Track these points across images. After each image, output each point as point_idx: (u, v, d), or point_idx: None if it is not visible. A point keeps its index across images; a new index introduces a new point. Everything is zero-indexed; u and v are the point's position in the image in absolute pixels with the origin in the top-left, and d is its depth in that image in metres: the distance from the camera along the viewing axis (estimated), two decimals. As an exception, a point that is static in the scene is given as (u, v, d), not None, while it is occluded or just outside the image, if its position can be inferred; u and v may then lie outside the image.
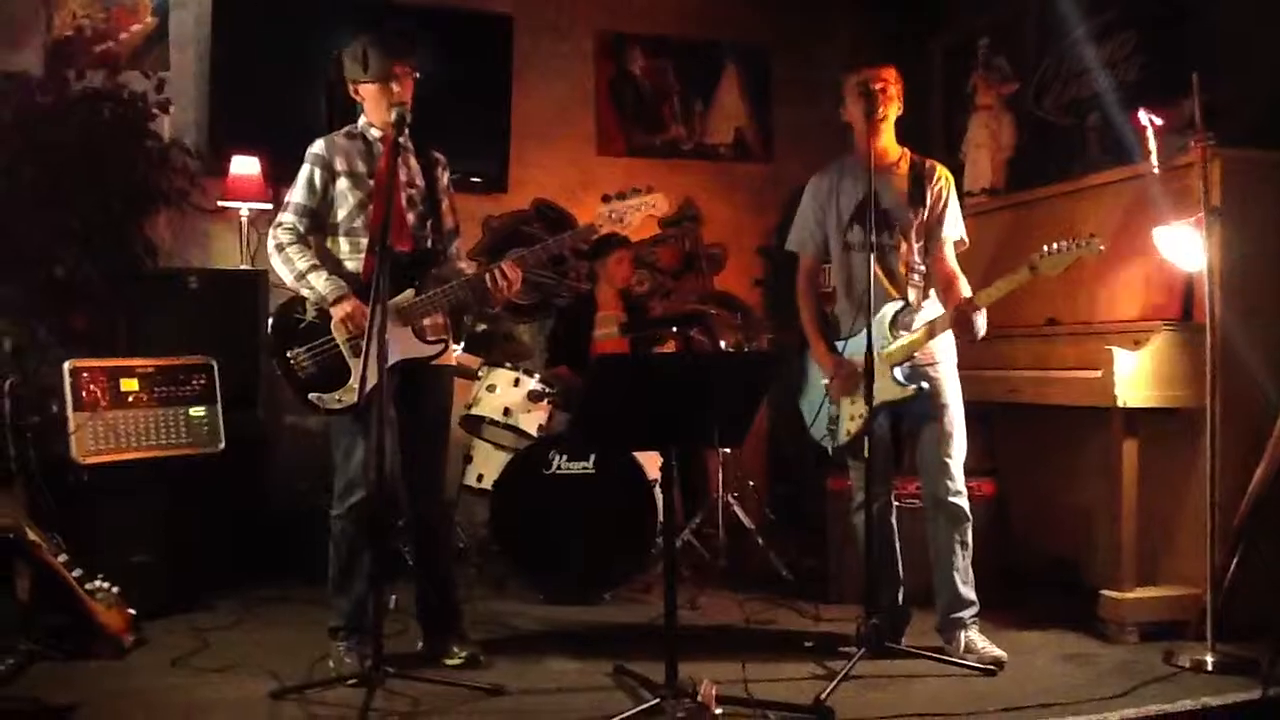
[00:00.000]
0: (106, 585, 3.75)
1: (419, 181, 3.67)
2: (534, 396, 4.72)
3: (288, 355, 3.54)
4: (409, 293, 3.51)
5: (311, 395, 3.52)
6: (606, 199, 3.51)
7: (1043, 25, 5.23)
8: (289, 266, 3.53)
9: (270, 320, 3.65)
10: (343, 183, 3.56)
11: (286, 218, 3.58)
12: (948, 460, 3.67)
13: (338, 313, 3.47)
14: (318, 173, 3.57)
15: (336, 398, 3.48)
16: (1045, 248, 3.44)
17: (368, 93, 3.58)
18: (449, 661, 3.61)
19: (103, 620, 3.70)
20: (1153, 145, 3.77)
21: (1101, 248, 3.41)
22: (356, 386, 3.42)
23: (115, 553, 4.00)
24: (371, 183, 3.54)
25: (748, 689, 3.17)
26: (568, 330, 5.29)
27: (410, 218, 3.62)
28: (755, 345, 5.23)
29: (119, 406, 4.17)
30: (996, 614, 3.95)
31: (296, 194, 3.58)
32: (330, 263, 3.57)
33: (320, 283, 3.49)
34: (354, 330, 3.46)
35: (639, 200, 3.51)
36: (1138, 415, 3.89)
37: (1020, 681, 3.44)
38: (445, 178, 3.74)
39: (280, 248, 3.55)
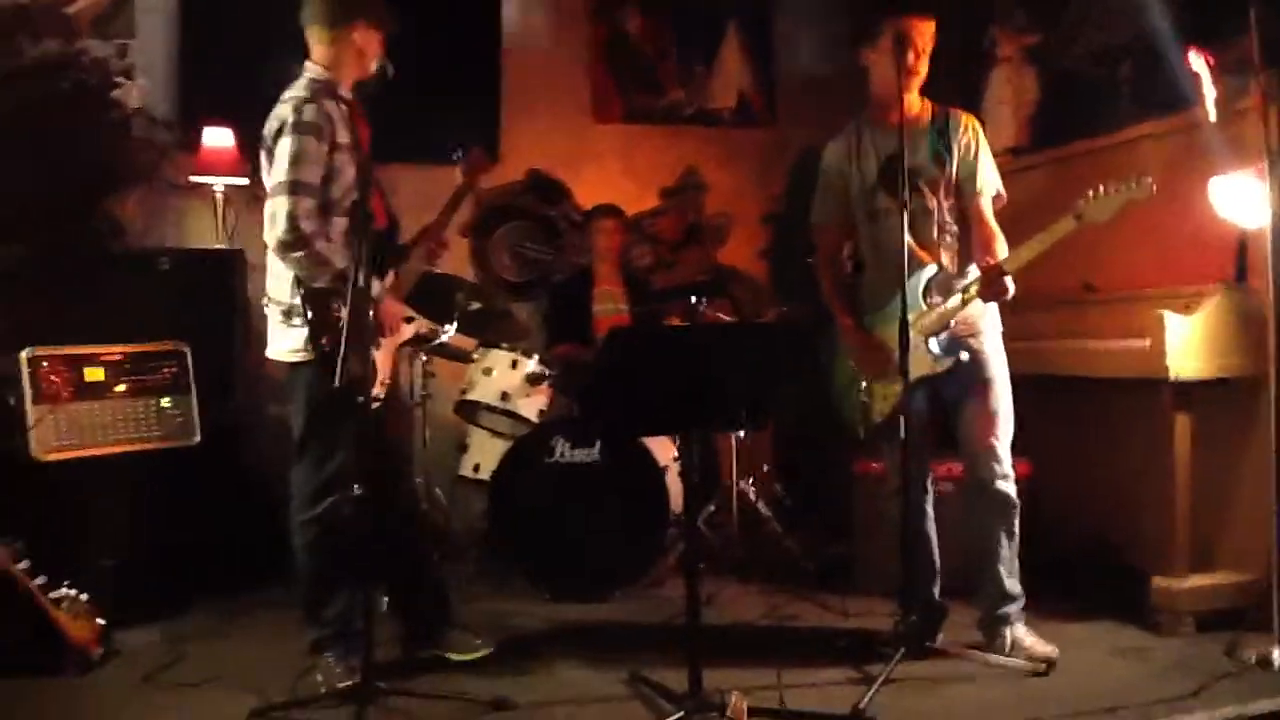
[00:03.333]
0: (73, 593, 3.45)
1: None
2: (533, 379, 4.40)
3: (338, 356, 2.99)
4: (391, 274, 3.24)
5: (360, 397, 3.04)
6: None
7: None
8: (325, 269, 3.06)
9: (310, 310, 3.10)
10: (341, 156, 3.16)
11: (304, 203, 3.06)
12: (994, 441, 3.36)
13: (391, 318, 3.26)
14: (322, 145, 3.11)
15: (374, 395, 3.11)
16: (1090, 192, 3.14)
17: (362, 38, 3.22)
18: (459, 656, 3.34)
19: (69, 632, 3.41)
20: (1207, 89, 3.45)
21: (1154, 188, 3.11)
22: (384, 379, 3.15)
23: (82, 557, 3.70)
24: (357, 153, 3.18)
25: (782, 699, 2.86)
26: (564, 307, 4.97)
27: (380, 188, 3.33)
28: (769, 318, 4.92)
29: (83, 398, 3.86)
30: (1036, 605, 3.61)
31: (304, 171, 3.08)
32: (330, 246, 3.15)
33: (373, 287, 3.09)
34: (390, 329, 3.24)
35: None
36: (1190, 387, 3.59)
37: (1074, 681, 3.16)
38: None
39: (305, 242, 3.05)
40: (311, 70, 3.27)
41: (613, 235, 5.01)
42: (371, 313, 3.02)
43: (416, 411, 4.66)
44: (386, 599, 3.62)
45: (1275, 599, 3.30)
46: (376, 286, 3.16)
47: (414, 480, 3.63)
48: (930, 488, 3.60)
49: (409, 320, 3.39)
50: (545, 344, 4.85)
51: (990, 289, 3.26)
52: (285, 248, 3.06)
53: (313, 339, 3.10)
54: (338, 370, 2.92)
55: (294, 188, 3.07)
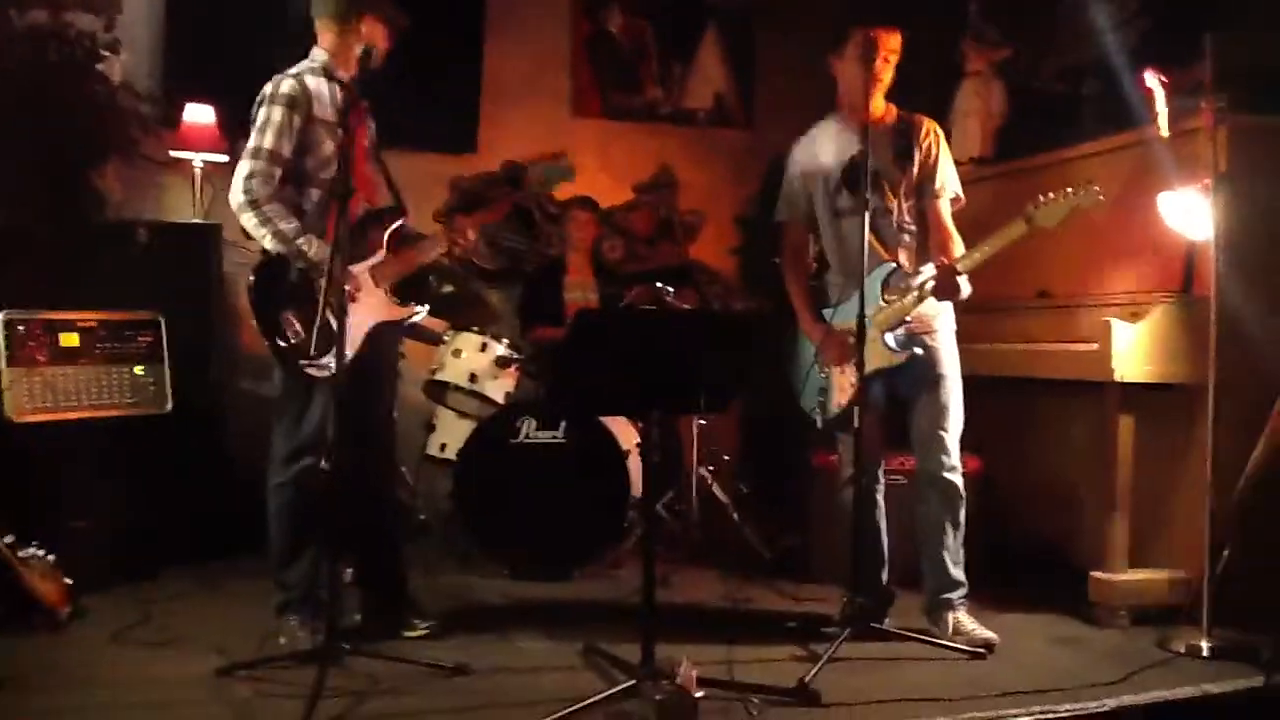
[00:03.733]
0: (41, 553, 3.50)
1: (371, 131, 3.45)
2: (502, 362, 4.50)
3: (280, 319, 3.22)
4: (381, 253, 3.30)
5: (302, 362, 3.20)
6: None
7: (1036, -12, 5.06)
8: (268, 226, 3.19)
9: (253, 279, 3.27)
10: (317, 128, 3.27)
11: (258, 166, 3.21)
12: (943, 434, 3.50)
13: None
14: (295, 117, 3.24)
15: (325, 364, 3.17)
16: (1040, 197, 3.28)
17: (369, 27, 3.33)
18: (408, 633, 3.41)
19: (37, 590, 3.46)
20: (1160, 107, 3.60)
21: (1101, 197, 3.25)
22: (344, 352, 3.12)
23: (52, 519, 3.75)
24: (340, 131, 3.27)
25: (730, 672, 2.97)
26: (537, 296, 5.07)
27: (372, 168, 3.41)
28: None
29: (58, 362, 3.93)
30: (981, 595, 3.76)
31: (268, 139, 3.22)
32: (299, 215, 3.26)
33: (313, 249, 3.20)
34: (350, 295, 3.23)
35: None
36: (1134, 390, 3.73)
37: (1011, 666, 3.29)
38: (373, 126, 3.51)
39: (255, 203, 3.19)
40: (315, 54, 3.39)
41: (586, 227, 5.12)
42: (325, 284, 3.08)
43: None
44: (351, 569, 3.71)
45: (1206, 594, 3.46)
46: (359, 267, 3.29)
47: (393, 457, 3.65)
48: (882, 478, 3.72)
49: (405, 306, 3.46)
50: (521, 329, 4.94)
51: (944, 287, 3.39)
52: (238, 208, 3.22)
53: (265, 312, 3.23)
54: (280, 337, 3.17)
55: (255, 153, 3.23)
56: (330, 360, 3.12)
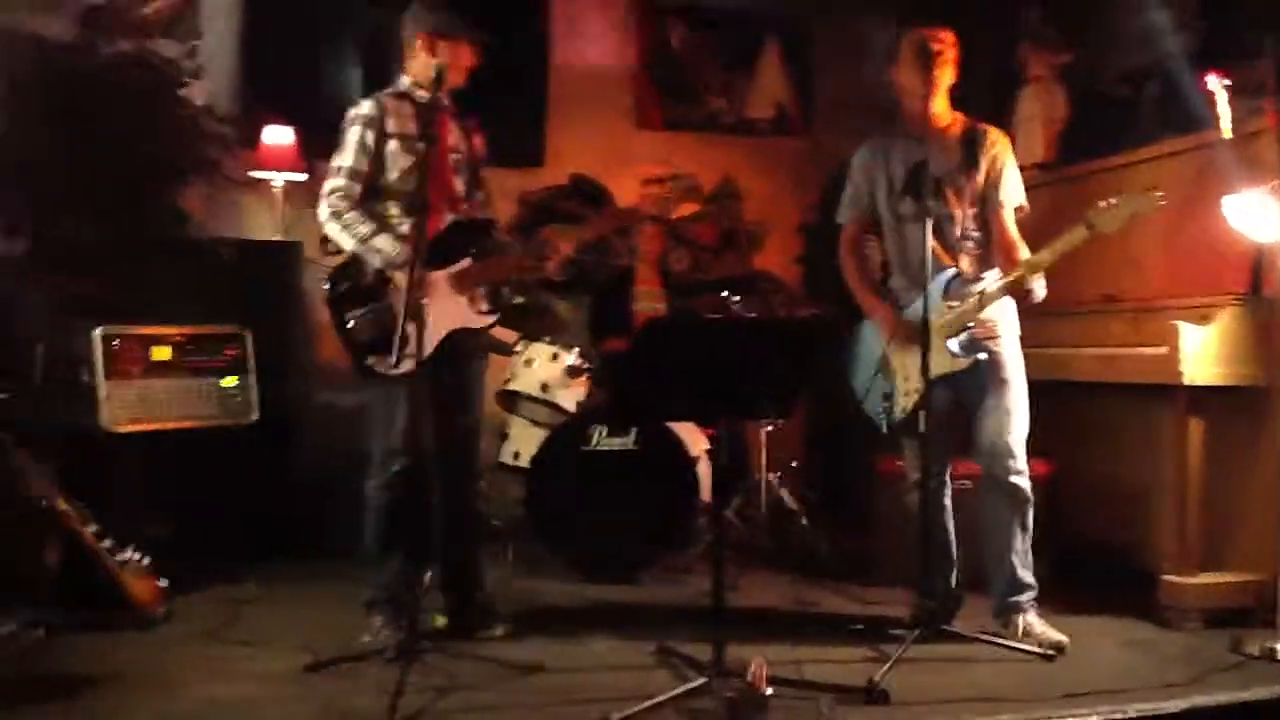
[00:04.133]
0: (136, 556, 3.68)
1: (462, 146, 3.59)
2: (572, 372, 4.60)
3: (346, 318, 3.43)
4: (466, 261, 3.43)
5: (369, 359, 3.40)
6: (648, 183, 3.44)
7: (1097, -8, 5.06)
8: (350, 232, 3.42)
9: (328, 281, 3.50)
10: (393, 144, 3.47)
11: (339, 183, 3.45)
12: (1009, 438, 3.52)
13: (402, 278, 3.33)
14: (369, 134, 3.46)
15: (394, 363, 3.30)
16: (1100, 203, 3.30)
17: (445, 50, 3.48)
18: (485, 635, 3.53)
19: (132, 591, 3.63)
20: (1223, 110, 3.60)
21: (1161, 200, 3.26)
22: (414, 353, 3.24)
23: (146, 524, 3.91)
24: (421, 145, 3.42)
25: (800, 670, 3.03)
26: (607, 306, 5.17)
27: (458, 183, 3.55)
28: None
29: (151, 375, 4.10)
30: (1050, 599, 3.77)
31: (347, 158, 3.46)
32: (383, 228, 3.46)
33: (388, 245, 3.40)
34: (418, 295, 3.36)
35: (682, 185, 3.43)
36: (1203, 393, 3.73)
37: (1081, 668, 3.30)
38: (479, 143, 3.64)
39: (337, 215, 3.43)
40: (401, 77, 3.59)
41: (653, 239, 5.22)
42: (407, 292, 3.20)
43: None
44: (430, 573, 3.83)
45: (1279, 597, 3.45)
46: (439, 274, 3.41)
47: (474, 464, 3.73)
48: (949, 482, 3.75)
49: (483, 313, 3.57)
50: (591, 340, 5.04)
51: (1016, 291, 3.42)
52: (323, 221, 3.46)
53: (337, 313, 3.42)
54: (349, 335, 3.39)
55: (336, 171, 3.48)
56: (400, 360, 3.21)
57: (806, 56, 6.35)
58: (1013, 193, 3.64)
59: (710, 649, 3.03)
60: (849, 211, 3.82)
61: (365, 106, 3.49)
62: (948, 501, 3.73)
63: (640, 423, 4.30)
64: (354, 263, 3.46)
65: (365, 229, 3.41)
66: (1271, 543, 3.51)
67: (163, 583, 3.70)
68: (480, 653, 3.31)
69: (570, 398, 4.58)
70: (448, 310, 3.43)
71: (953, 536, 3.72)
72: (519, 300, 4.69)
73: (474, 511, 3.71)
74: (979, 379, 3.54)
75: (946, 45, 3.59)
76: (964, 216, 3.62)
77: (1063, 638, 3.44)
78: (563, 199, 5.84)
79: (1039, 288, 3.42)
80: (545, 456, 4.40)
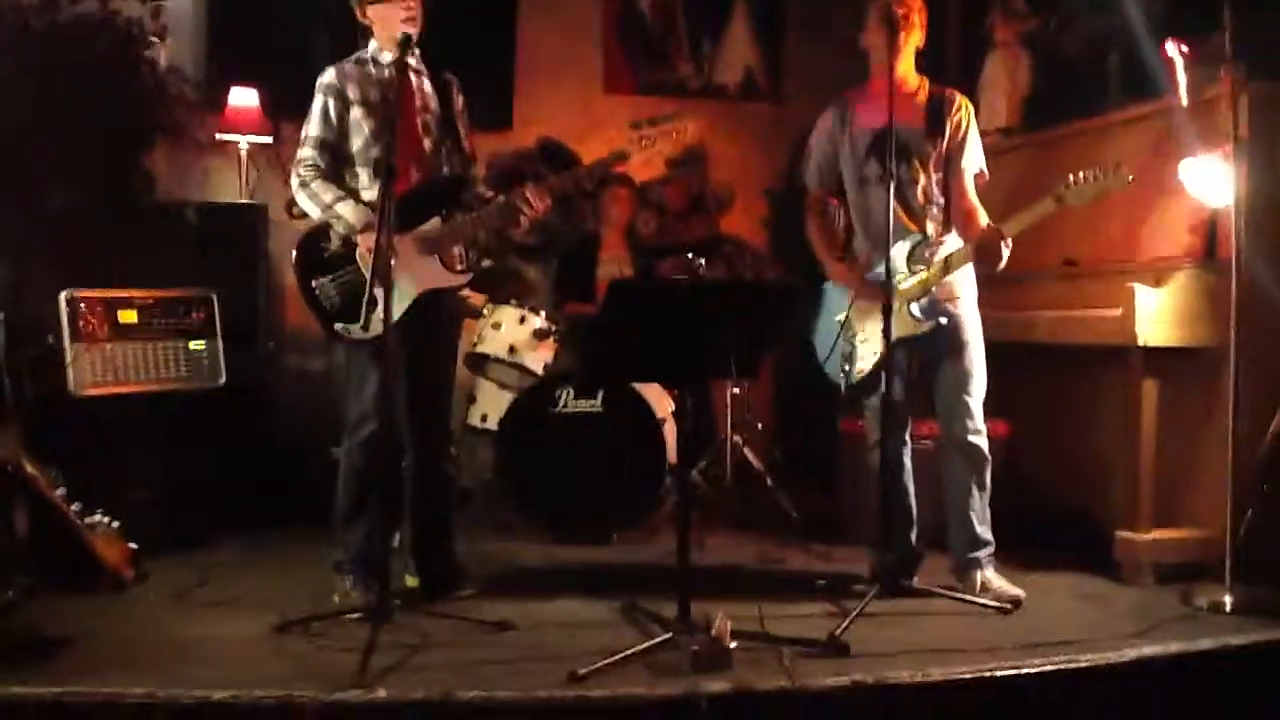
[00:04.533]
0: (106, 520, 3.66)
1: (433, 106, 3.59)
2: (540, 334, 4.63)
3: (313, 285, 3.46)
4: (435, 221, 3.44)
5: (337, 325, 3.43)
6: (636, 124, 3.43)
7: (1064, -40, 5.09)
8: (315, 201, 3.45)
9: (295, 249, 3.53)
10: (356, 111, 3.47)
11: (306, 153, 3.49)
12: (968, 399, 3.60)
13: (364, 243, 3.37)
14: (331, 103, 3.48)
15: (362, 326, 3.31)
16: (1070, 177, 3.35)
17: (376, 14, 3.48)
18: (458, 594, 3.57)
19: (102, 554, 3.61)
20: (1181, 77, 3.66)
21: (1130, 179, 3.32)
22: (378, 318, 3.28)
23: (115, 487, 3.89)
24: (384, 109, 3.44)
25: (763, 624, 3.10)
26: (573, 270, 5.19)
27: (426, 144, 3.56)
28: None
29: (117, 338, 4.09)
30: (1008, 556, 3.87)
31: (312, 127, 3.49)
32: (350, 195, 3.48)
33: (348, 211, 3.42)
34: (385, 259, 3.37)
35: (669, 126, 3.42)
36: (1158, 354, 3.81)
37: (1036, 620, 3.39)
38: (460, 100, 3.64)
39: (304, 184, 3.46)
40: (370, 43, 3.58)
41: (625, 203, 5.24)
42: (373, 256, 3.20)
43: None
44: (399, 534, 3.86)
45: (1229, 552, 3.55)
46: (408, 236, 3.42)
47: (445, 425, 3.76)
48: (909, 442, 3.82)
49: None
50: (554, 304, 5.08)
51: (987, 250, 3.46)
52: (294, 191, 3.50)
53: (304, 280, 3.44)
54: (315, 301, 3.43)
55: (302, 140, 3.51)
56: (368, 324, 3.19)
57: (775, 21, 6.36)
58: (974, 159, 3.69)
59: (676, 606, 3.09)
60: (815, 174, 3.86)
61: (327, 75, 3.50)
62: (907, 461, 3.80)
63: (607, 385, 4.34)
64: (320, 230, 3.48)
65: (329, 196, 3.43)
66: (1222, 500, 3.60)
67: (132, 546, 3.69)
68: (450, 611, 3.35)
69: (538, 360, 4.62)
70: (418, 272, 3.44)
71: (912, 496, 3.79)
72: (487, 263, 4.71)
73: (444, 472, 3.74)
74: (938, 341, 3.61)
75: (912, 10, 3.63)
76: (928, 181, 3.67)
77: (1019, 592, 3.53)
78: (530, 162, 5.84)
79: (1005, 251, 3.47)
80: (513, 419, 4.44)
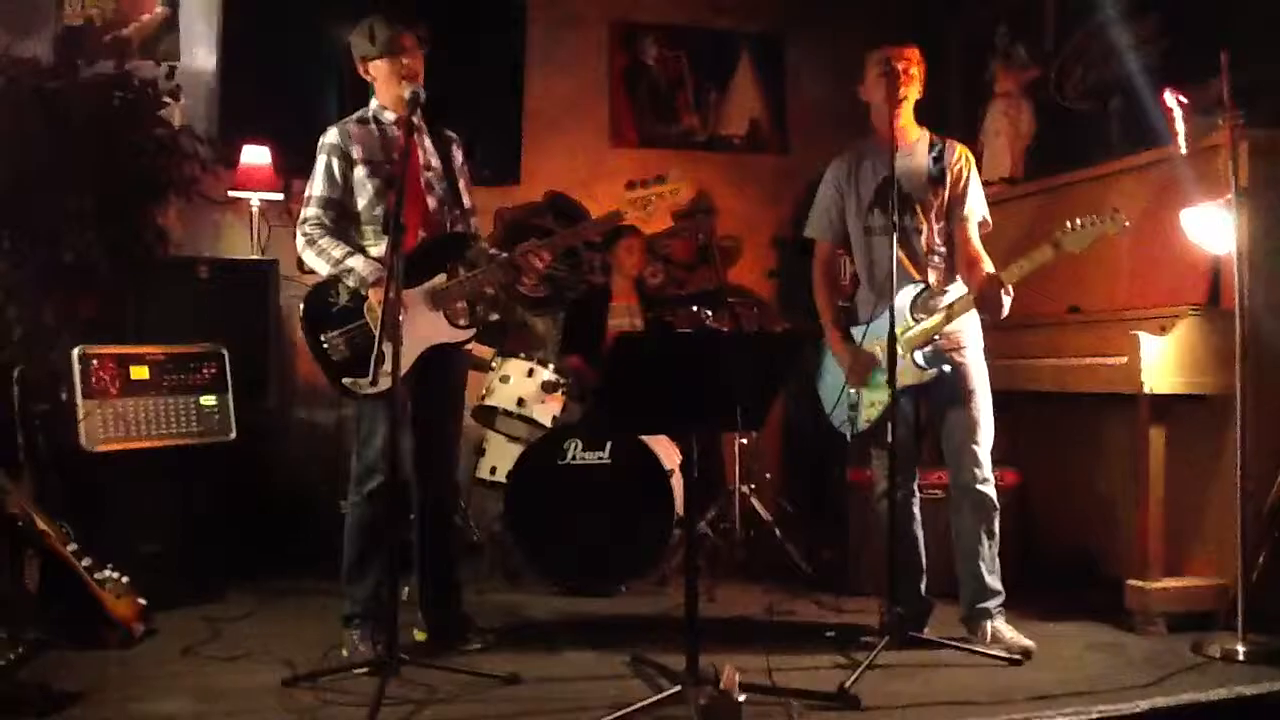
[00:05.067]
0: (116, 575, 3.71)
1: (435, 163, 3.64)
2: (548, 387, 4.65)
3: (321, 339, 3.49)
4: (441, 277, 3.48)
5: (345, 379, 3.46)
6: (631, 185, 3.47)
7: (1063, 10, 5.16)
8: (324, 257, 3.48)
9: (303, 304, 3.56)
10: (360, 171, 3.52)
11: (311, 212, 3.53)
12: (975, 447, 3.60)
13: (375, 296, 3.40)
14: (335, 162, 3.53)
15: (371, 381, 3.35)
16: (1068, 223, 3.39)
17: (378, 70, 3.54)
18: (465, 648, 3.57)
19: (112, 609, 3.65)
20: (1180, 126, 3.70)
21: (1126, 223, 3.37)
22: (389, 371, 3.29)
23: (125, 542, 3.94)
24: (389, 168, 3.49)
25: (771, 677, 3.09)
26: (580, 321, 5.22)
27: (430, 201, 3.60)
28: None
29: (129, 394, 4.12)
30: (1019, 604, 3.86)
31: (316, 186, 3.54)
32: (357, 251, 3.52)
33: (360, 265, 3.45)
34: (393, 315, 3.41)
35: (664, 188, 3.46)
36: (1164, 402, 3.81)
37: (1047, 671, 3.37)
38: (460, 156, 3.70)
39: (311, 241, 3.50)
40: (372, 101, 3.63)
41: (636, 254, 5.28)
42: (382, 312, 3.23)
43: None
44: (406, 588, 3.87)
45: (1240, 601, 3.53)
46: (414, 291, 3.45)
47: (453, 479, 3.78)
48: (917, 491, 3.82)
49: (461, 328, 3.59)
50: (558, 354, 5.11)
51: (988, 299, 3.48)
52: (300, 249, 3.55)
53: (312, 335, 3.48)
54: (324, 355, 3.46)
55: (307, 200, 3.56)
56: (377, 379, 3.25)
57: (780, 73, 6.44)
58: (977, 207, 3.72)
59: (684, 659, 3.08)
60: (818, 225, 3.90)
61: (330, 135, 3.55)
62: (916, 510, 3.80)
63: (615, 436, 4.36)
64: (328, 285, 3.51)
65: (339, 252, 3.47)
66: (1232, 547, 3.58)
67: (142, 600, 3.72)
68: (458, 665, 3.35)
69: (546, 413, 4.64)
70: (424, 327, 3.47)
71: (921, 545, 3.79)
72: (495, 317, 4.75)
73: (452, 525, 3.75)
74: (945, 389, 3.62)
75: (911, 62, 3.68)
76: (931, 230, 3.70)
77: (1029, 643, 3.51)
78: (539, 216, 5.91)
79: (1006, 300, 3.49)
80: (521, 471, 4.45)
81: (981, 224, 3.74)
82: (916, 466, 3.82)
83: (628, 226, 5.31)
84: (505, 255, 3.55)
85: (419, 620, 3.67)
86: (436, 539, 3.66)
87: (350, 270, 3.45)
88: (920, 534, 3.79)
